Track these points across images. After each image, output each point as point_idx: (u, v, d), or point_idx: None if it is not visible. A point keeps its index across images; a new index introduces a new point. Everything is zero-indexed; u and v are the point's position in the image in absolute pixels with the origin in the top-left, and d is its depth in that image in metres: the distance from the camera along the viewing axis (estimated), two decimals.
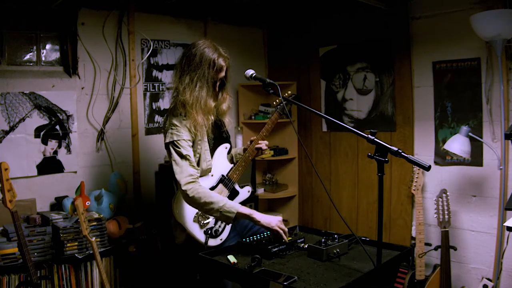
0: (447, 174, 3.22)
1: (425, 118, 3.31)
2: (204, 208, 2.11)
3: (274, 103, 2.49)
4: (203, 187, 2.15)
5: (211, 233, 2.27)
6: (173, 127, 2.19)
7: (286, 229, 2.08)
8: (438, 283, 3.03)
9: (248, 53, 4.16)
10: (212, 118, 2.28)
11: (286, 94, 2.58)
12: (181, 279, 2.86)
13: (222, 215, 2.08)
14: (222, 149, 2.42)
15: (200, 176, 2.29)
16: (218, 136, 2.43)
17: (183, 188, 2.10)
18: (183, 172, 2.12)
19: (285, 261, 1.90)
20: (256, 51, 4.28)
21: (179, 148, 2.15)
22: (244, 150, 2.48)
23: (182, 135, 2.17)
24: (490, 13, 2.66)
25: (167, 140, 2.19)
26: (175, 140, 2.16)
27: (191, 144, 2.21)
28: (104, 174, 3.24)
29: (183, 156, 2.14)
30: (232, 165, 2.43)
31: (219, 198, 2.12)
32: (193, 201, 2.11)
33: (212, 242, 2.28)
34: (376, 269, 1.70)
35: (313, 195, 4.05)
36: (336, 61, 3.80)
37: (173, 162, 2.16)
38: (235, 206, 2.09)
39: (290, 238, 2.09)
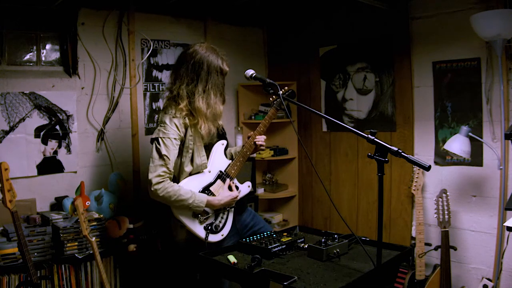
0: (447, 174, 3.22)
1: (425, 118, 3.31)
2: (175, 205, 2.21)
3: (271, 99, 2.50)
4: (171, 184, 2.20)
5: (211, 229, 2.28)
6: (161, 125, 2.25)
7: (236, 194, 2.35)
8: (438, 283, 3.03)
9: (248, 53, 4.16)
10: (221, 123, 2.40)
11: (283, 90, 2.58)
12: (181, 279, 2.86)
13: (191, 210, 2.22)
14: (219, 146, 2.43)
15: (196, 172, 2.31)
16: (214, 133, 2.44)
17: (153, 188, 2.16)
18: (155, 171, 2.17)
19: (285, 261, 1.90)
20: (256, 51, 4.28)
21: (160, 146, 2.20)
22: (243, 146, 2.49)
23: (168, 133, 2.22)
24: (490, 13, 2.66)
25: (153, 136, 2.26)
26: (160, 137, 2.22)
27: (177, 143, 2.24)
28: (104, 174, 3.24)
29: (161, 155, 2.19)
30: (230, 161, 2.44)
31: (188, 194, 2.19)
32: (164, 200, 2.18)
33: (213, 238, 2.28)
34: (376, 269, 1.70)
35: (313, 195, 4.05)
36: (336, 61, 3.80)
37: (150, 159, 2.22)
38: (203, 200, 2.22)
39: (289, 238, 2.10)
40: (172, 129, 2.22)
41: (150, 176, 2.17)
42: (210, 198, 2.26)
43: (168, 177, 2.20)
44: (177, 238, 2.35)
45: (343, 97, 3.76)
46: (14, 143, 2.85)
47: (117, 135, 3.34)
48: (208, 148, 2.38)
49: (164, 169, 2.18)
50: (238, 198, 2.40)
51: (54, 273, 2.58)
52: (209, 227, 2.27)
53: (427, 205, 3.29)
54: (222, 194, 2.31)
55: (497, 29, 2.61)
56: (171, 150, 2.20)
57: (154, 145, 2.23)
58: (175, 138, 2.22)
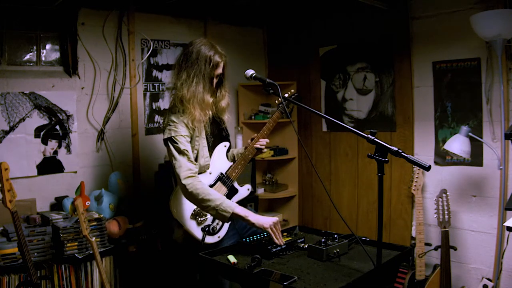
0: (447, 174, 3.22)
1: (425, 118, 3.31)
2: (202, 205, 2.15)
3: (276, 101, 2.49)
4: (202, 183, 2.17)
5: (208, 231, 2.28)
6: (171, 124, 2.24)
7: (279, 230, 2.05)
8: (438, 283, 3.03)
9: (248, 53, 4.16)
10: (210, 113, 2.33)
11: (289, 93, 2.59)
12: (181, 279, 2.86)
13: (218, 214, 2.11)
14: (221, 147, 2.43)
15: (198, 173, 2.30)
16: (218, 134, 2.45)
17: (183, 182, 2.13)
18: (182, 166, 2.16)
19: (285, 261, 1.90)
20: (256, 51, 4.28)
21: (177, 143, 2.19)
22: (245, 149, 2.49)
23: (180, 131, 2.21)
24: (490, 13, 2.66)
25: (165, 136, 2.24)
26: (173, 136, 2.21)
27: (189, 140, 2.25)
28: (104, 174, 3.24)
29: (181, 151, 2.18)
30: (232, 163, 2.44)
31: (217, 196, 2.14)
32: (192, 197, 2.14)
33: (210, 240, 2.28)
34: (376, 269, 1.70)
35: (313, 195, 4.05)
36: (336, 61, 3.80)
37: (172, 158, 2.20)
38: (231, 206, 2.11)
39: (289, 238, 2.10)
40: (182, 127, 2.22)
41: (178, 171, 2.15)
42: (241, 209, 2.11)
43: (196, 171, 2.19)
44: (174, 236, 2.35)
45: (343, 97, 3.76)
46: (14, 143, 2.85)
47: (117, 135, 3.34)
48: (210, 149, 2.38)
49: (190, 163, 2.17)
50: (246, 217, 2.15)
51: (54, 273, 2.58)
52: (206, 229, 2.27)
53: (427, 205, 3.29)
54: (260, 217, 2.12)
55: (497, 29, 2.61)
56: (186, 146, 2.21)
57: (170, 144, 2.22)
58: (186, 135, 2.23)
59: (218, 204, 2.09)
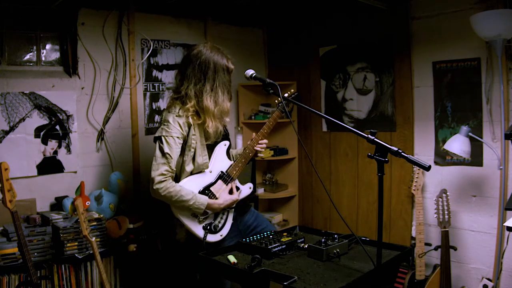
0: (447, 174, 3.22)
1: (425, 118, 3.31)
2: (176, 205, 2.22)
3: (276, 101, 2.50)
4: (174, 184, 2.21)
5: (210, 229, 2.28)
6: (165, 123, 2.28)
7: (237, 197, 2.37)
8: (438, 283, 3.03)
9: (248, 53, 4.16)
10: (228, 119, 2.41)
11: (289, 93, 2.60)
12: (181, 279, 2.86)
13: (192, 211, 2.24)
14: (222, 146, 2.44)
15: (197, 172, 2.32)
16: (222, 132, 2.45)
17: (155, 186, 2.18)
18: (158, 170, 2.19)
19: (285, 261, 1.90)
20: (256, 51, 4.28)
21: (163, 144, 2.23)
22: (245, 148, 2.49)
23: (171, 131, 2.24)
24: (490, 13, 2.66)
25: (156, 135, 2.29)
26: (163, 136, 2.24)
27: (179, 141, 2.26)
28: (104, 174, 3.24)
29: (163, 154, 2.21)
30: (232, 162, 2.44)
31: (189, 195, 2.21)
32: (165, 199, 2.20)
33: (212, 238, 2.29)
34: (376, 269, 1.70)
35: (313, 195, 4.05)
36: (336, 61, 3.80)
37: (153, 157, 2.24)
38: (203, 202, 2.23)
39: (290, 238, 2.10)
40: (175, 128, 2.24)
41: (153, 174, 2.19)
42: (211, 201, 2.27)
43: (170, 176, 2.22)
44: (177, 236, 2.36)
45: (343, 97, 3.76)
46: (14, 143, 2.85)
47: (117, 135, 3.34)
48: (210, 148, 2.39)
49: (167, 167, 2.20)
50: (239, 199, 2.40)
51: (54, 273, 2.58)
52: (208, 227, 2.27)
53: (427, 205, 3.29)
54: (223, 197, 2.32)
55: (497, 29, 2.61)
56: (173, 148, 2.22)
57: (157, 143, 2.25)
58: (177, 137, 2.24)
59: (191, 203, 2.20)
